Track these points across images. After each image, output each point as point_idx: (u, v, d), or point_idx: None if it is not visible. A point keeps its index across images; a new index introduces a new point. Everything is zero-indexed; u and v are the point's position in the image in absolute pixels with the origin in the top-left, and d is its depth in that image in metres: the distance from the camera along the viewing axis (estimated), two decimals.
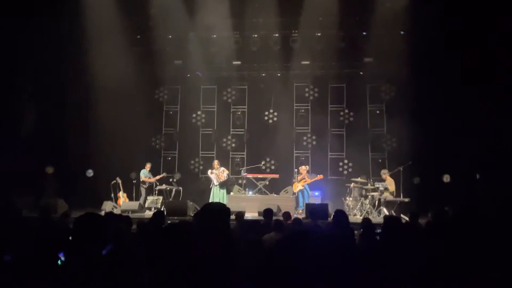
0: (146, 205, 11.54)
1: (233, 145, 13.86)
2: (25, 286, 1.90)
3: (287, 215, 6.75)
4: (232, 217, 7.25)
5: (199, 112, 14.01)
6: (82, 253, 1.80)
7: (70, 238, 1.88)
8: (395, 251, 2.99)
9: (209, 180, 12.03)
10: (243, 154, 13.86)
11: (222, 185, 11.49)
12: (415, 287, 2.37)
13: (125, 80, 11.86)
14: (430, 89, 11.72)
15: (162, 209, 10.93)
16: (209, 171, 11.67)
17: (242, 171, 12.60)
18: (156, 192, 11.99)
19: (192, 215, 9.77)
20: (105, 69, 11.55)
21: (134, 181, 12.16)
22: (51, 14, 11.07)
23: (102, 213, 9.50)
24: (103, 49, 11.47)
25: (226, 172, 11.61)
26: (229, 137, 13.90)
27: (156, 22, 12.17)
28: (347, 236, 4.58)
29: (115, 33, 11.64)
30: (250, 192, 12.20)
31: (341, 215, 4.81)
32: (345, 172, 13.10)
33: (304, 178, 11.56)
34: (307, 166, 12.16)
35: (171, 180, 13.09)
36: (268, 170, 13.34)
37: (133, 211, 10.55)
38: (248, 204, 10.37)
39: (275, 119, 13.60)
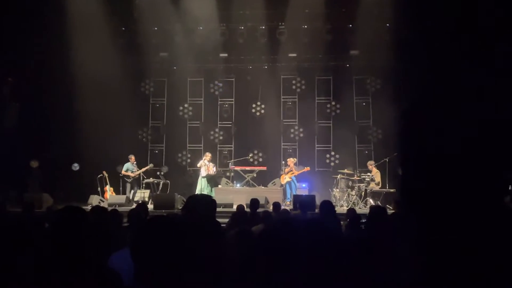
0: (133, 198, 11.43)
1: (221, 137, 13.82)
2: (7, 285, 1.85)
3: (277, 205, 6.74)
4: (223, 209, 7.24)
5: (186, 105, 13.90)
6: (62, 248, 1.75)
7: (50, 233, 1.83)
8: (381, 239, 3.01)
9: (196, 173, 11.96)
10: (231, 147, 13.83)
11: (210, 179, 11.42)
12: (400, 276, 2.39)
13: (110, 72, 11.66)
14: (416, 81, 11.80)
15: (149, 202, 10.87)
16: (200, 162, 11.52)
17: (229, 163, 12.58)
18: (144, 185, 11.90)
19: (180, 208, 9.73)
20: (89, 62, 11.34)
21: (121, 175, 12.01)
22: (33, 5, 10.80)
23: (89, 207, 9.40)
24: (87, 41, 11.26)
25: (214, 168, 11.56)
26: (217, 130, 13.85)
27: (141, 13, 11.99)
28: (334, 226, 4.61)
29: (100, 24, 11.45)
30: (238, 185, 12.20)
31: (327, 205, 4.82)
32: (332, 163, 13.19)
33: (291, 170, 11.60)
34: (295, 158, 12.20)
35: (158, 173, 12.99)
36: (255, 162, 13.36)
37: (120, 205, 10.43)
38: (236, 197, 10.35)
39: (262, 111, 13.59)
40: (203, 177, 11.31)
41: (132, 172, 11.55)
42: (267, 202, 10.43)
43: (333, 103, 13.53)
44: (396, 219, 5.16)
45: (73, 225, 1.80)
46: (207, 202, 2.38)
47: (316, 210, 7.40)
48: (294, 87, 13.71)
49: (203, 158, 11.50)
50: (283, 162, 12.14)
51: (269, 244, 1.29)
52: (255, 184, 12.02)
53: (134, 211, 4.92)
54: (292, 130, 13.61)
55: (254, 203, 6.52)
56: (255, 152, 13.47)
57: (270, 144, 13.36)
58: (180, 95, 13.81)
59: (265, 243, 1.30)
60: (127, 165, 11.63)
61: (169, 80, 13.94)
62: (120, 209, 9.37)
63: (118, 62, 11.91)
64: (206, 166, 11.31)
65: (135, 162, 11.71)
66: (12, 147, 11.24)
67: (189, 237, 1.78)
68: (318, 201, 9.19)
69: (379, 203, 10.34)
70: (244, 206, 6.64)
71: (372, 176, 11.01)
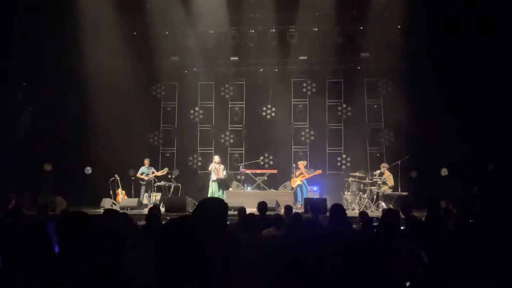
0: (145, 201, 11.54)
1: (231, 141, 13.86)
2: None
3: (288, 208, 6.73)
4: (234, 212, 7.25)
5: (196, 108, 13.98)
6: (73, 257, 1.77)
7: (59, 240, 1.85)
8: (392, 244, 2.99)
9: (207, 177, 11.99)
10: (242, 150, 13.85)
11: (221, 183, 11.43)
12: (412, 281, 2.37)
13: (122, 76, 11.79)
14: (427, 83, 11.72)
15: (161, 205, 10.92)
16: (211, 165, 11.55)
17: (240, 166, 12.57)
18: (155, 188, 11.97)
19: (191, 211, 9.75)
20: (101, 66, 11.49)
21: (133, 178, 12.13)
22: (45, 10, 10.99)
23: (101, 210, 9.50)
24: (99, 45, 11.40)
25: (224, 171, 11.52)
26: (227, 133, 13.89)
27: (153, 18, 12.12)
28: (346, 231, 4.58)
29: (111, 29, 11.58)
30: (249, 188, 12.21)
31: (338, 208, 4.79)
32: (343, 166, 13.15)
33: (302, 173, 11.57)
34: (305, 161, 12.16)
35: (170, 176, 13.06)
36: (266, 165, 13.36)
37: (132, 208, 10.55)
38: (247, 200, 10.28)
39: (273, 114, 13.60)
40: (214, 181, 11.34)
41: (146, 175, 11.65)
42: (278, 205, 10.42)
43: (344, 105, 13.49)
44: (410, 223, 5.11)
45: (82, 229, 1.82)
46: (219, 205, 2.38)
47: (327, 214, 7.39)
48: (304, 89, 13.70)
49: (213, 161, 11.52)
50: (294, 165, 12.11)
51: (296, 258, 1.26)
52: (265, 187, 12.03)
53: (153, 214, 4.95)
54: (302, 133, 13.59)
55: (263, 206, 6.46)
56: (266, 155, 13.48)
57: (280, 147, 13.35)
58: (191, 99, 13.89)
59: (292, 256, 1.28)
60: (142, 169, 11.75)
61: (180, 84, 14.03)
62: (132, 212, 9.51)
63: (129, 66, 12.02)
64: (216, 170, 11.34)
65: (147, 165, 11.78)
66: (26, 151, 11.43)
67: (203, 241, 1.79)
68: (329, 204, 9.16)
69: (391, 206, 10.25)
70: (245, 209, 6.58)
71: (384, 179, 10.91)
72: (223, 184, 11.54)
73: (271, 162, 13.47)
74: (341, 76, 13.51)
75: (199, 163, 13.76)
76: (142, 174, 11.70)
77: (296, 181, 11.57)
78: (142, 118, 12.93)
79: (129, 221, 5.08)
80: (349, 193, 11.29)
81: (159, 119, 14.10)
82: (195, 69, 13.55)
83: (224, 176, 11.40)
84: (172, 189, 12.16)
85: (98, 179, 12.14)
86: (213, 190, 11.29)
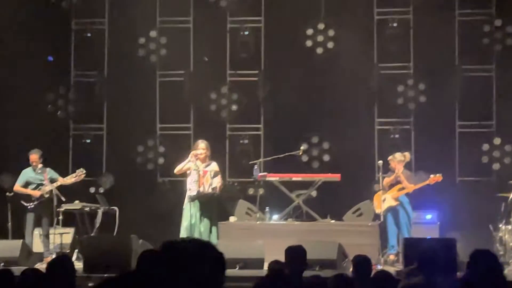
0: (37, 246, 11.70)
1: (234, 107, 13.93)
2: None
3: (364, 262, 6.61)
4: (258, 271, 7.16)
5: (153, 34, 14.12)
6: None
7: None
8: None
9: (180, 189, 12.06)
10: (258, 129, 14.05)
11: (209, 204, 11.39)
12: None
13: None
14: None
15: (74, 255, 10.94)
16: (187, 161, 11.50)
17: (255, 167, 12.55)
18: (61, 217, 12.03)
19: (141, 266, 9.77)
20: None
21: (9, 195, 12.29)
22: None
23: None
24: None
25: (218, 178, 11.46)
26: (224, 90, 14.00)
27: None
28: None
29: None
30: (275, 216, 12.26)
31: (485, 263, 4.68)
32: (496, 165, 13.22)
33: (400, 182, 11.59)
34: (407, 154, 12.12)
35: (93, 190, 13.28)
36: (315, 164, 13.46)
37: (9, 262, 10.64)
38: (272, 243, 10.31)
39: (329, 45, 13.73)
40: (193, 199, 11.32)
41: (38, 188, 11.80)
42: (343, 256, 10.46)
43: (498, 23, 13.53)
44: None
45: None
46: (206, 255, 2.20)
47: (460, 273, 7.29)
48: None
49: (190, 155, 11.45)
50: (380, 162, 12.01)
51: None
52: (314, 214, 12.02)
53: (58, 276, 5.08)
54: (399, 89, 13.68)
55: (294, 254, 6.69)
56: (314, 140, 13.60)
57: (347, 121, 13.45)
58: (139, 13, 13.93)
59: None
60: (26, 174, 11.96)
61: None
62: (12, 268, 9.55)
63: None
64: (198, 173, 11.28)
65: (37, 165, 11.85)
66: None
67: None
68: (462, 252, 9.09)
69: None
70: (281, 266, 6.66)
71: None
72: (214, 206, 11.52)
73: (325, 157, 13.57)
74: None
75: (160, 159, 13.90)
76: (26, 185, 11.82)
77: (385, 200, 11.61)
78: (28, 60, 13.14)
79: None
80: (509, 227, 11.32)
81: (67, 59, 14.35)
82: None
83: (212, 189, 11.28)
84: (99, 219, 12.32)
85: None
86: (193, 221, 11.27)
